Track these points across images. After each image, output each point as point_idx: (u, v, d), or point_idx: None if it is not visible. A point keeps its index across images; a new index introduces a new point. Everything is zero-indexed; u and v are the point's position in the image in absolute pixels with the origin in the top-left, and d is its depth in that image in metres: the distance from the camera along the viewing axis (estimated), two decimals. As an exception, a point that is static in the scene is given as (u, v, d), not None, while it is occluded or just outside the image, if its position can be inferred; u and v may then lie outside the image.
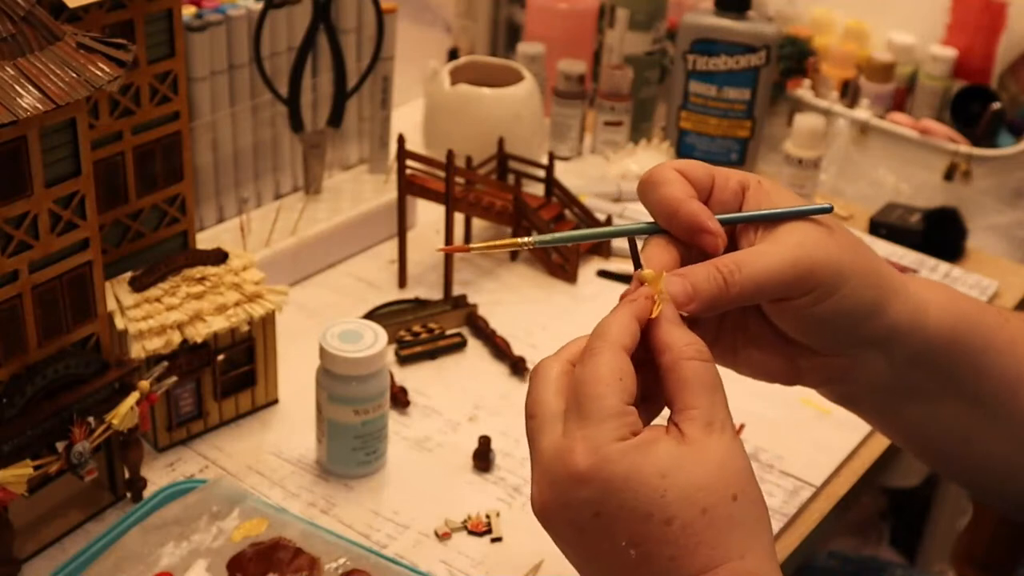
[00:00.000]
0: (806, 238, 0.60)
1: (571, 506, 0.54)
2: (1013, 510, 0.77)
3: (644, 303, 0.58)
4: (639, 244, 0.61)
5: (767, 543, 0.55)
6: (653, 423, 0.57)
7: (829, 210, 0.61)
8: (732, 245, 0.62)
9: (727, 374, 1.16)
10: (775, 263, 0.60)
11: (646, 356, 0.58)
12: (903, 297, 0.64)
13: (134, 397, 0.83)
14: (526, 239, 0.60)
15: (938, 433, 0.71)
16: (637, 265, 0.60)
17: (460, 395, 1.03)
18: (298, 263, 1.16)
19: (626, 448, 0.54)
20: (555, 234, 0.59)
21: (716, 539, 0.53)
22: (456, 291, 1.14)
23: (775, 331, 0.64)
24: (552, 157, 1.23)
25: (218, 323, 0.91)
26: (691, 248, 0.61)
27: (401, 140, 1.13)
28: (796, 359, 0.66)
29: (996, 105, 1.37)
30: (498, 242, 0.60)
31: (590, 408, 0.54)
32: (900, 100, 1.46)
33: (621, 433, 0.54)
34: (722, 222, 0.61)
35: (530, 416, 0.57)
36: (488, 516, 0.89)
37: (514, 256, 1.23)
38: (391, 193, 1.22)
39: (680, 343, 0.57)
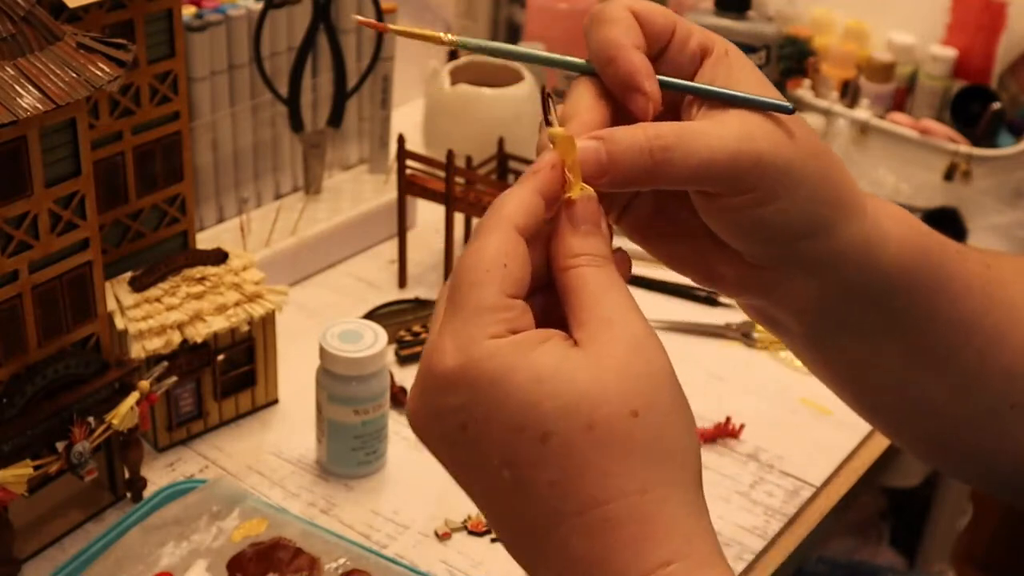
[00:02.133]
0: (758, 129, 0.51)
1: (440, 416, 0.46)
2: (943, 467, 0.72)
3: (549, 175, 0.49)
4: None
5: (684, 479, 0.45)
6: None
7: (790, 111, 0.52)
8: (671, 117, 0.53)
9: (737, 368, 1.14)
10: (716, 148, 0.50)
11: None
12: (858, 222, 0.55)
13: (134, 397, 0.83)
14: (449, 37, 0.52)
15: (870, 374, 0.62)
16: (547, 121, 0.50)
17: (460, 395, 1.03)
18: (298, 263, 1.16)
19: (499, 346, 0.45)
20: (482, 41, 0.53)
21: (608, 465, 0.44)
22: (456, 291, 1.14)
23: (699, 223, 0.55)
24: (552, 157, 1.23)
25: (218, 323, 0.91)
26: (623, 108, 0.52)
27: (401, 140, 1.13)
28: (715, 261, 0.56)
29: (996, 105, 1.37)
30: (418, 31, 0.53)
31: (464, 299, 0.46)
32: (900, 100, 1.45)
33: (496, 329, 0.45)
34: (664, 85, 0.52)
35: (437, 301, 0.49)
36: (488, 516, 0.89)
37: (514, 256, 1.22)
38: (391, 193, 1.22)
39: (569, 251, 0.48)
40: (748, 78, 0.53)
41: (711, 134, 0.50)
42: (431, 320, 0.49)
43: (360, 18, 0.53)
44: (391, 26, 0.52)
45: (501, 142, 1.23)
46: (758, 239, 0.53)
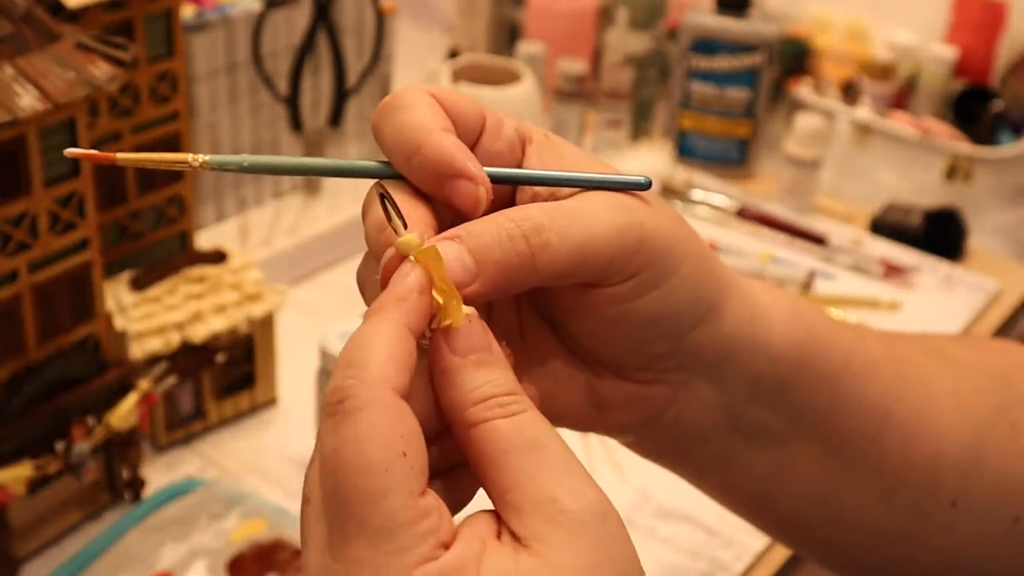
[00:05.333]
0: (628, 200, 0.43)
1: None
2: None
3: (418, 302, 0.37)
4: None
5: None
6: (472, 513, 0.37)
7: (646, 186, 0.44)
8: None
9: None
10: (594, 224, 0.41)
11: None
12: (739, 297, 0.47)
13: (133, 397, 0.83)
14: (199, 157, 0.40)
15: (788, 492, 0.53)
16: (393, 226, 0.40)
17: (460, 395, 1.02)
18: (298, 263, 1.16)
19: None
20: (243, 157, 0.41)
21: None
22: (456, 291, 1.14)
23: (562, 344, 0.46)
24: (552, 157, 1.23)
25: (217, 323, 0.91)
26: (443, 209, 0.42)
27: (401, 140, 1.13)
28: (596, 388, 0.46)
29: (998, 105, 1.37)
30: (159, 156, 0.40)
31: (365, 518, 0.34)
32: (901, 100, 1.46)
33: (423, 551, 0.34)
34: (496, 179, 0.42)
35: (304, 499, 0.37)
36: (488, 516, 0.88)
37: (514, 256, 1.22)
38: (391, 193, 1.22)
39: (468, 398, 0.37)
40: (581, 157, 0.45)
41: (583, 209, 0.42)
42: (307, 513, 0.36)
43: (74, 151, 0.40)
44: (120, 155, 0.40)
45: (501, 142, 1.23)
46: (644, 337, 0.45)
